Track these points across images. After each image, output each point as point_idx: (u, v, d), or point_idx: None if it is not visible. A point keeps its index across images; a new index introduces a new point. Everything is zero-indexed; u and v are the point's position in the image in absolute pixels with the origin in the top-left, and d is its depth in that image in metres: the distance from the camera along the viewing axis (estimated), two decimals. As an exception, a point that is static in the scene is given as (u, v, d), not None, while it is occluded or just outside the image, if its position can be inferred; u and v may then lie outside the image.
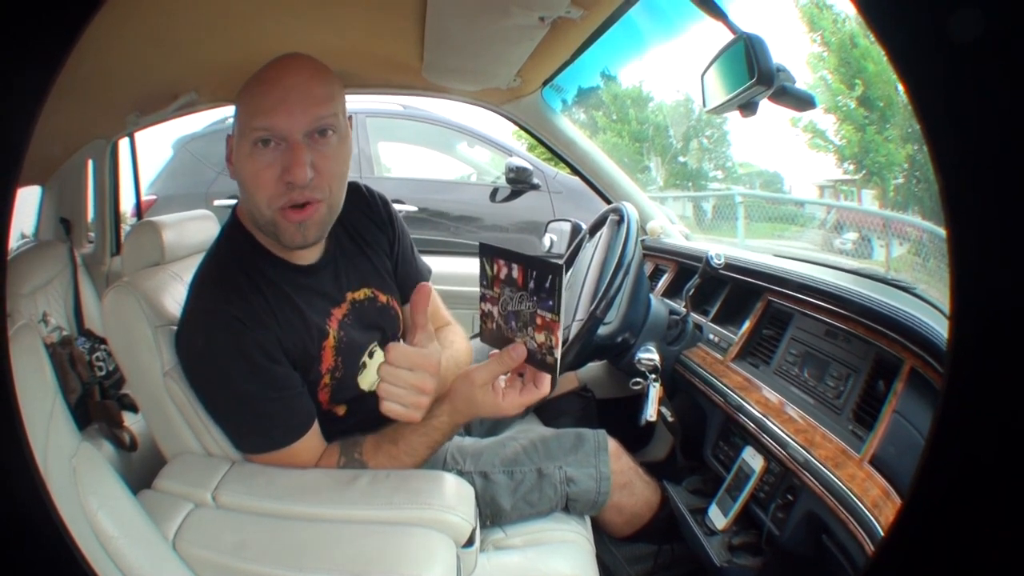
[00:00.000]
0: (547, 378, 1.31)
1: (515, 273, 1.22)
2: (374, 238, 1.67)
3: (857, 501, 1.20)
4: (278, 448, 1.44)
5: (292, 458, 1.45)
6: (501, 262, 1.24)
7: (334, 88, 1.40)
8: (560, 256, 2.40)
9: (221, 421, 1.47)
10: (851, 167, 13.50)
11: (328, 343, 1.50)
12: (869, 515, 1.16)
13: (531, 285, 1.20)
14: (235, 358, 1.38)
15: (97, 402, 2.22)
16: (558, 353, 1.22)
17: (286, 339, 1.43)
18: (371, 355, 1.61)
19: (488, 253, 1.26)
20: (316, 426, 1.48)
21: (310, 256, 1.53)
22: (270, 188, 1.35)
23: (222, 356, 1.40)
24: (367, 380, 1.59)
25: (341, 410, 1.57)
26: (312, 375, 1.49)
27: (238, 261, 1.47)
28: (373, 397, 1.53)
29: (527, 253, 1.20)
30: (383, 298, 1.65)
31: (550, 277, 1.17)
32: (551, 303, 1.18)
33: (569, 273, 2.21)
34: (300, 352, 1.46)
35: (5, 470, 0.75)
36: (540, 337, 1.22)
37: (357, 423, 1.55)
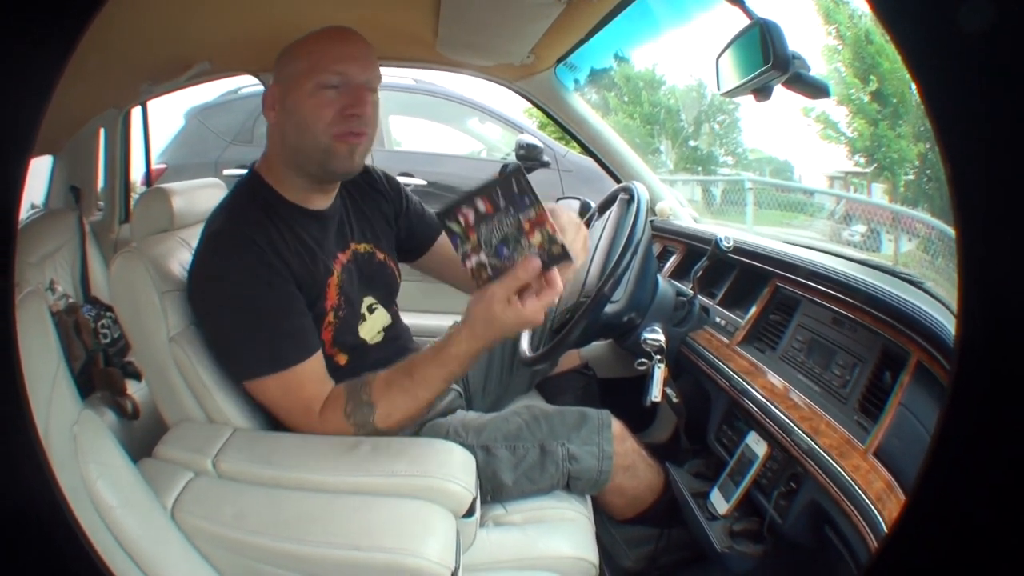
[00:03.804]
0: (556, 276, 1.32)
1: (481, 206, 1.25)
2: (377, 205, 1.80)
3: (861, 493, 1.19)
4: (284, 367, 1.46)
5: (297, 384, 1.48)
6: (464, 209, 1.26)
7: None
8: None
9: (227, 344, 1.51)
10: (862, 160, 13.41)
11: (332, 280, 1.59)
12: (873, 508, 1.15)
13: (502, 203, 1.24)
14: (248, 274, 1.45)
15: (101, 369, 2.23)
16: (559, 237, 1.25)
17: (296, 268, 1.51)
18: (371, 310, 1.69)
19: (449, 215, 1.28)
20: (321, 355, 1.52)
21: (321, 203, 1.64)
22: (331, 119, 1.50)
23: (235, 272, 1.46)
24: (368, 331, 1.67)
25: (343, 359, 1.62)
26: (317, 309, 1.55)
27: (253, 198, 1.59)
28: (374, 349, 1.64)
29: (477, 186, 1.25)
30: (381, 255, 1.76)
31: (513, 181, 1.22)
32: (527, 200, 1.23)
33: None
34: (307, 282, 1.53)
35: (6, 436, 0.75)
36: (536, 238, 1.26)
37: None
